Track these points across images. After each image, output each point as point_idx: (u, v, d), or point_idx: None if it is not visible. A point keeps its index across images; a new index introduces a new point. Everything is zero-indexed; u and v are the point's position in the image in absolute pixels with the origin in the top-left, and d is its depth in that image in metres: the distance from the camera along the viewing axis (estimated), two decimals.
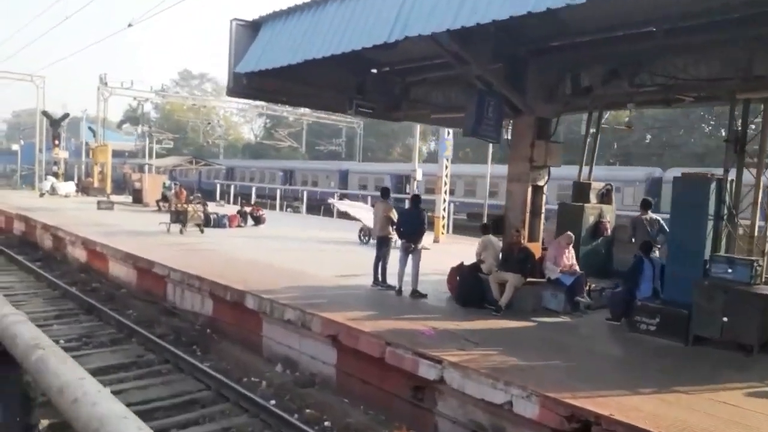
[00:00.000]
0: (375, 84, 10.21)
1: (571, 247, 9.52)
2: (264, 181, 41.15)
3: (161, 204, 24.45)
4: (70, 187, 31.16)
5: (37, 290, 13.98)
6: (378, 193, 12.89)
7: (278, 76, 9.41)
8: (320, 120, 49.93)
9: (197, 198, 24.10)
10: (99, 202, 24.15)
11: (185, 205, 17.26)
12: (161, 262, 12.03)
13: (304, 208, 28.45)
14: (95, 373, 7.05)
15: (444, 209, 17.15)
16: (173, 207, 23.75)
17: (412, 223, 9.11)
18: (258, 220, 19.58)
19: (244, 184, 39.02)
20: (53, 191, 30.55)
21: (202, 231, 16.70)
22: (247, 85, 9.43)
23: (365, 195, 30.42)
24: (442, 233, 17.07)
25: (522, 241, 9.18)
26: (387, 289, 9.63)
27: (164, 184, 27.14)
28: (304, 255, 13.95)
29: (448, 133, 17.44)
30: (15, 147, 48.62)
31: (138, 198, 27.85)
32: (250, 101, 47.13)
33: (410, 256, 9.31)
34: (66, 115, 32.70)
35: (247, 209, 20.11)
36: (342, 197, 23.27)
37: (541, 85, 9.53)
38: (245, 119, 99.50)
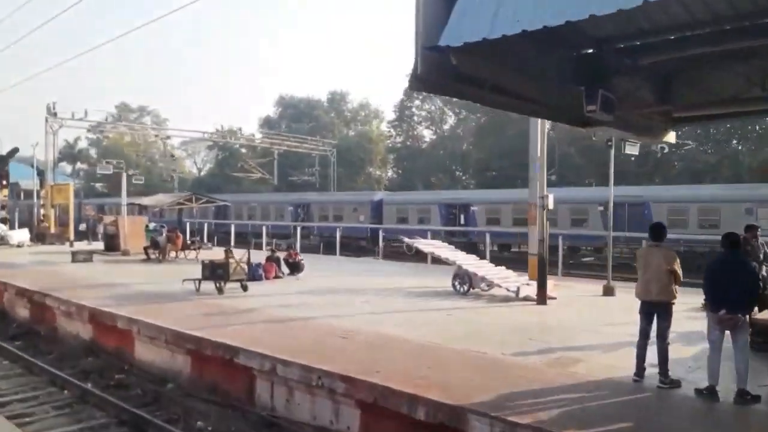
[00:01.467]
0: (622, 72, 6.87)
1: None
2: (269, 217, 35.59)
3: (151, 252, 20.06)
4: (23, 235, 26.01)
5: (35, 390, 9.71)
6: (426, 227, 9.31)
7: (489, 57, 5.98)
8: (291, 149, 46.14)
9: (198, 242, 19.94)
10: (74, 254, 19.50)
11: (206, 253, 13.25)
12: (245, 347, 8.12)
13: (337, 248, 23.64)
14: None
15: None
16: (168, 254, 19.59)
17: (738, 281, 5.60)
18: (295, 268, 15.69)
19: (242, 223, 33.99)
20: (3, 241, 25.36)
21: (245, 288, 12.73)
22: (440, 72, 5.91)
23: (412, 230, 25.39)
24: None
25: None
26: (671, 387, 6.14)
27: (147, 227, 22.69)
28: (413, 318, 10.26)
29: (540, 151, 14.30)
30: None
31: (113, 245, 23.16)
32: (195, 134, 42.91)
33: (734, 336, 5.89)
34: (15, 150, 27.60)
35: (280, 254, 16.16)
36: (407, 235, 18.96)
37: None
38: (187, 152, 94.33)
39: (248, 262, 13.02)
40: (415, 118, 72.20)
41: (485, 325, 9.46)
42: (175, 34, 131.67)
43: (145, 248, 20.38)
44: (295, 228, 27.60)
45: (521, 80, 6.39)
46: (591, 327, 9.44)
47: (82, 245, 26.21)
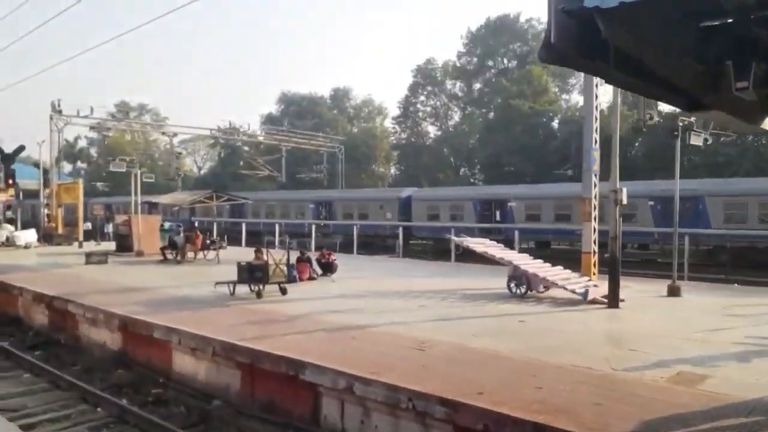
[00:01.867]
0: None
1: None
2: (289, 215, 34.34)
3: (168, 252, 19.03)
4: (31, 235, 24.92)
5: (65, 407, 8.72)
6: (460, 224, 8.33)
7: (631, 26, 5.00)
8: (299, 146, 45.08)
9: (218, 242, 18.94)
10: (88, 255, 18.45)
11: (253, 256, 12.25)
12: (314, 362, 7.13)
13: (354, 247, 22.31)
14: None
15: (594, 241, 12.91)
16: (187, 254, 18.59)
17: None
18: (329, 268, 14.69)
19: (259, 221, 32.51)
20: (10, 242, 24.28)
21: (284, 292, 11.74)
22: (575, 40, 4.93)
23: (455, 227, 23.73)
24: (594, 273, 12.81)
25: None
26: None
27: (162, 226, 21.67)
28: (486, 326, 9.20)
29: (595, 141, 13.35)
30: None
31: (125, 246, 22.11)
32: (203, 130, 41.68)
33: None
34: (21, 148, 26.50)
35: (312, 255, 15.16)
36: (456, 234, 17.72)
37: None
38: (187, 151, 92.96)
39: (288, 264, 12.01)
40: (420, 114, 71.24)
41: (571, 333, 8.46)
42: (172, 31, 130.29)
43: (162, 249, 19.36)
44: (311, 226, 26.44)
45: (656, 55, 5.42)
46: (686, 335, 8.48)
47: (90, 246, 25.18)
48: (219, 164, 79.45)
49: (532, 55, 59.87)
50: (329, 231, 31.26)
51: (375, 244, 25.74)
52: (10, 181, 25.45)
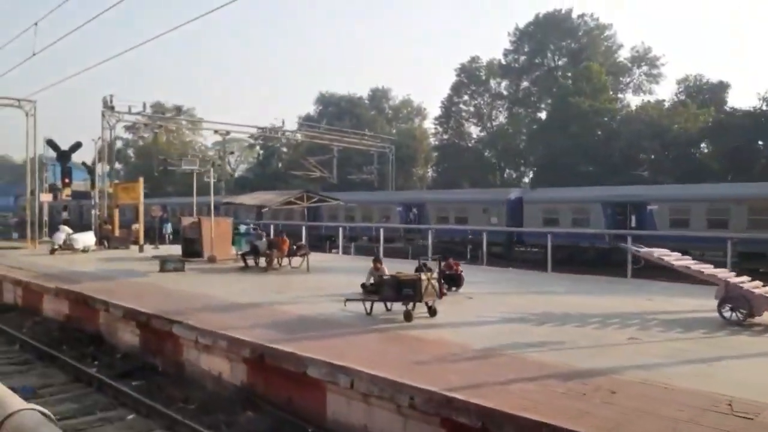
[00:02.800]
0: None
1: None
2: (371, 218, 31.28)
3: (251, 259, 16.93)
4: (89, 238, 23.03)
5: None
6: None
7: None
8: (351, 146, 42.92)
9: (304, 248, 16.80)
10: (164, 262, 16.42)
11: (393, 271, 9.99)
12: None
13: (429, 251, 19.89)
14: None
15: None
16: (274, 261, 16.48)
17: None
18: (455, 282, 12.39)
19: (320, 225, 30.04)
20: (68, 245, 22.43)
21: (434, 313, 9.48)
22: None
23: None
24: None
25: None
26: None
27: (238, 229, 19.61)
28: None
29: None
30: None
31: (193, 250, 20.08)
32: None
33: None
34: (78, 145, 24.69)
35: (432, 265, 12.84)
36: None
37: None
38: (219, 154, 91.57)
39: (439, 279, 9.72)
40: (464, 114, 68.70)
41: None
42: (208, 34, 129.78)
43: (243, 255, 17.27)
44: (380, 230, 24.09)
45: None
46: None
47: (150, 250, 23.25)
48: (258, 165, 77.89)
49: (585, 52, 57.16)
50: (413, 236, 28.71)
51: (453, 250, 22.93)
52: (67, 180, 23.64)
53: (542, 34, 59.98)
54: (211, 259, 19.04)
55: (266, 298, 11.78)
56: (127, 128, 32.28)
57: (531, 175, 64.99)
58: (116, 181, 25.21)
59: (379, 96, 78.97)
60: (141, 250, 23.03)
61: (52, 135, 30.90)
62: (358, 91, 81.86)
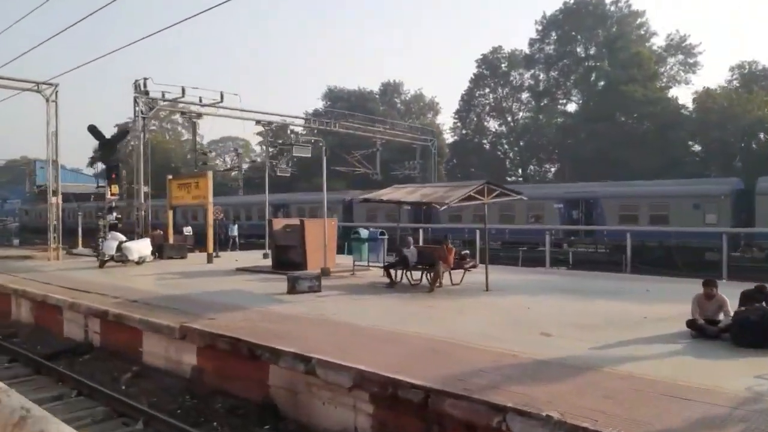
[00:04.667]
0: None
1: None
2: (512, 219, 24.81)
3: (399, 274, 12.46)
4: (145, 247, 18.18)
5: None
6: None
7: None
8: (395, 138, 38.45)
9: (470, 259, 12.40)
10: (295, 280, 11.82)
11: None
12: None
13: (628, 262, 15.48)
14: None
15: None
16: (440, 277, 12.06)
17: None
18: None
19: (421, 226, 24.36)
20: (122, 255, 17.61)
21: None
22: None
23: None
24: None
25: None
26: None
27: (357, 233, 15.12)
28: None
29: None
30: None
31: (290, 260, 15.56)
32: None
33: None
34: (124, 133, 19.74)
35: None
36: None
37: None
38: (217, 152, 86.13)
39: None
40: (486, 107, 64.56)
41: None
42: (209, 27, 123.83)
43: (387, 268, 12.78)
44: (476, 231, 19.65)
45: None
46: None
47: (213, 258, 18.57)
48: (296, 162, 72.74)
49: (620, 40, 53.39)
50: (579, 240, 23.70)
51: (647, 257, 18.10)
52: (113, 175, 18.81)
53: (572, 23, 56.31)
54: (325, 272, 14.53)
55: (561, 346, 7.37)
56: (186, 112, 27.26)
57: (554, 170, 61.34)
58: (169, 177, 20.40)
59: (390, 90, 74.49)
60: (210, 260, 18.32)
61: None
62: (368, 86, 77.22)
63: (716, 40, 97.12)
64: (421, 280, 12.71)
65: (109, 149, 18.98)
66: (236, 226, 28.02)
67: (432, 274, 11.85)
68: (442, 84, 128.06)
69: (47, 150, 26.11)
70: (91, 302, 11.70)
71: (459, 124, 66.65)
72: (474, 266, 12.57)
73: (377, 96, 73.76)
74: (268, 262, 17.28)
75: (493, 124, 66.19)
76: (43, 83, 24.70)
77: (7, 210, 76.80)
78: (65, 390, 9.01)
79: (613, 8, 55.72)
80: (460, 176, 60.26)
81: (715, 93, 41.98)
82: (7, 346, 11.51)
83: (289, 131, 32.72)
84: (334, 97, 73.88)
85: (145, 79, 26.91)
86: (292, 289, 11.77)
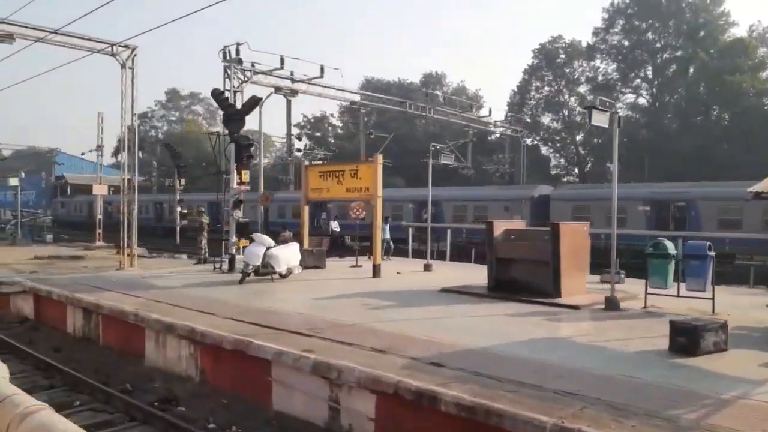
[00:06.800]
0: None
1: None
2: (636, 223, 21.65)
3: None
4: (293, 256, 13.23)
5: None
6: None
7: None
8: (485, 128, 33.60)
9: None
10: (698, 333, 6.94)
11: None
12: None
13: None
14: None
15: None
16: None
17: None
18: None
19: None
20: (267, 267, 12.66)
21: None
22: None
23: None
24: None
25: None
26: None
27: (659, 246, 10.23)
28: None
29: None
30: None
31: (512, 280, 10.71)
32: None
33: None
34: (256, 101, 14.52)
35: None
36: None
37: None
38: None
39: None
40: (543, 101, 59.65)
41: None
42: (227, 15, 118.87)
43: None
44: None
45: None
46: None
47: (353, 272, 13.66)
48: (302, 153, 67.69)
49: (707, 27, 48.61)
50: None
51: None
52: (246, 156, 13.82)
53: (642, 11, 51.61)
54: (612, 305, 9.70)
55: None
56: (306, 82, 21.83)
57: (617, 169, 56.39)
58: (305, 162, 15.38)
59: (433, 82, 69.44)
60: (377, 273, 13.32)
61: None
62: (409, 77, 72.11)
63: None
64: None
65: (236, 122, 13.97)
66: (336, 222, 23.16)
67: None
68: (484, 78, 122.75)
69: (121, 129, 21.21)
70: (354, 363, 6.73)
71: (511, 117, 61.71)
72: None
73: (420, 87, 68.84)
74: (477, 279, 12.38)
75: (546, 119, 61.44)
76: (119, 44, 19.74)
77: (22, 203, 71.30)
78: None
79: None
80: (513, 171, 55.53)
81: None
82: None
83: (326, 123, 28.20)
84: (371, 88, 68.88)
85: (238, 44, 22.01)
86: (693, 347, 6.87)
